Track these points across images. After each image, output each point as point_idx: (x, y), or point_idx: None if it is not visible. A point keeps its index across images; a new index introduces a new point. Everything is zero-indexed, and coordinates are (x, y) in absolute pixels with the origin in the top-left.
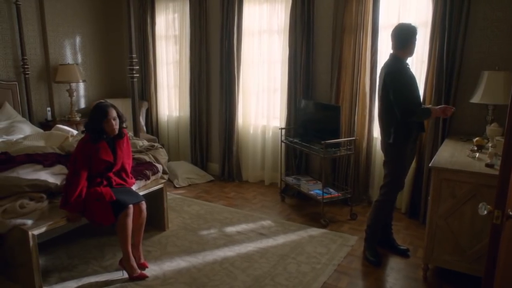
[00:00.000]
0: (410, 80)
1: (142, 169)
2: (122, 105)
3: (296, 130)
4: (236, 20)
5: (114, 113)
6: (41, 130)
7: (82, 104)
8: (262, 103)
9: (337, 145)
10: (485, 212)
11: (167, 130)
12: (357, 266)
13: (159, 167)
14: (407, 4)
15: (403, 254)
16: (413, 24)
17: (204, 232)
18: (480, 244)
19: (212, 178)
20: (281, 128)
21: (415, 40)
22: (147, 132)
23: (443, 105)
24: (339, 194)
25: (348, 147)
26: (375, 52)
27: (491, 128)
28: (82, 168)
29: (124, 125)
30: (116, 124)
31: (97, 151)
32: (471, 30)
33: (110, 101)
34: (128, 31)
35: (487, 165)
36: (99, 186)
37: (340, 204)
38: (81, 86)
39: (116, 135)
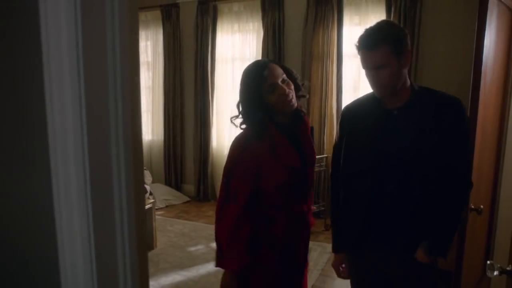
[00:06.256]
0: (354, 126)
1: None
2: None
3: None
4: (210, 48)
5: (280, 71)
6: None
7: None
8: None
9: None
10: None
11: None
12: None
13: (147, 188)
14: None
15: None
16: None
17: (192, 248)
18: None
19: (188, 198)
20: None
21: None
22: None
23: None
24: (314, 208)
25: (320, 163)
26: (340, 78)
27: None
28: (244, 190)
29: (303, 94)
30: (289, 89)
31: (274, 152)
32: (421, 63)
33: None
34: None
35: None
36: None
37: (314, 217)
38: None
39: (294, 114)
